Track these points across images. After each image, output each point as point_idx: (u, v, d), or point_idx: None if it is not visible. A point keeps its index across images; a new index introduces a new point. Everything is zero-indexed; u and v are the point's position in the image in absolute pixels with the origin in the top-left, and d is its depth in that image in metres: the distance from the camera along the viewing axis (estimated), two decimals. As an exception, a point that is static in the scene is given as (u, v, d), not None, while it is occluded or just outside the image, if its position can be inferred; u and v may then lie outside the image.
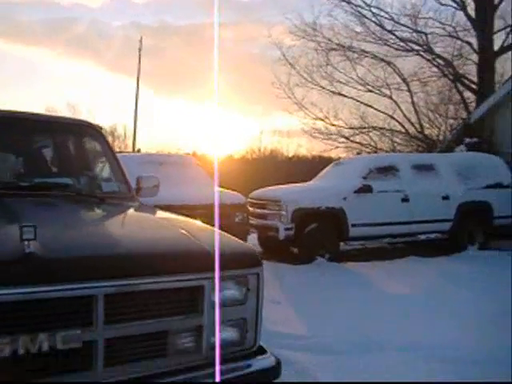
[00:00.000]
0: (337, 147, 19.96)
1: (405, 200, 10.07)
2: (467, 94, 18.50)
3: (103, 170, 3.87)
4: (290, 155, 32.27)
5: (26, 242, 1.88)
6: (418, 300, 6.64)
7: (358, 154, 18.24)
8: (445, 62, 18.62)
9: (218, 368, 2.16)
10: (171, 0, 78.94)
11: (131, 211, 3.24)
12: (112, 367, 2.00)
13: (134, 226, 2.89)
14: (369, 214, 9.69)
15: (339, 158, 20.34)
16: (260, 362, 2.37)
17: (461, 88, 18.33)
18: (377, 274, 8.31)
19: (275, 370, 2.42)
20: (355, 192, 9.71)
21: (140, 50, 28.22)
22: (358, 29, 19.36)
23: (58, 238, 2.20)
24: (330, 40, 19.58)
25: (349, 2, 18.83)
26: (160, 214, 3.20)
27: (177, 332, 2.13)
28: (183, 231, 2.52)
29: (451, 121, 18.53)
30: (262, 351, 2.44)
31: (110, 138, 57.07)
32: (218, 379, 2.11)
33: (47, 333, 1.87)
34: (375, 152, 19.60)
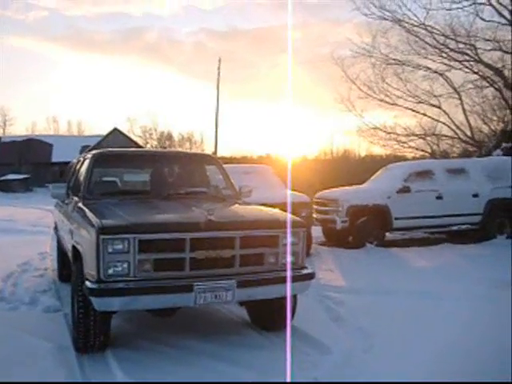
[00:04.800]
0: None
1: (439, 198, 12.51)
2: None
3: (221, 182, 6.77)
4: (363, 155, 33.25)
5: (209, 215, 4.76)
6: (432, 270, 9.23)
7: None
8: (493, 71, 20.66)
9: (289, 272, 4.95)
10: (238, 5, 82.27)
11: (240, 204, 6.15)
12: (241, 267, 4.81)
13: (245, 209, 5.83)
14: (409, 210, 12.19)
15: (413, 157, 22.86)
16: (305, 270, 5.15)
17: (506, 95, 20.31)
18: (410, 255, 10.88)
19: (312, 274, 5.17)
20: (397, 192, 12.27)
21: (219, 69, 31.26)
22: (413, 44, 21.71)
23: (217, 214, 5.03)
24: (386, 55, 22.09)
25: (401, 21, 21.23)
26: (255, 206, 6.07)
27: (268, 254, 4.95)
28: (270, 212, 5.37)
29: (498, 126, 20.54)
30: (306, 268, 5.20)
31: (187, 144, 60.60)
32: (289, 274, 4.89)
33: (215, 251, 4.71)
34: (431, 154, 22.01)
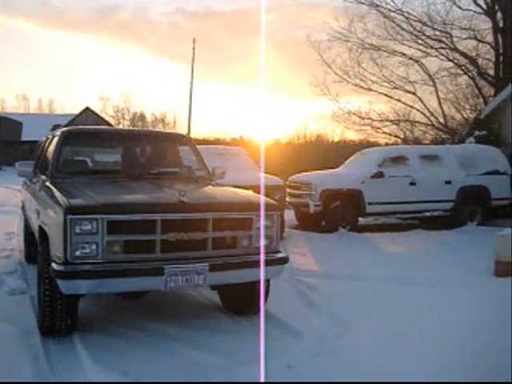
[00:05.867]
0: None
1: (412, 183, 12.52)
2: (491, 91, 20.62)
3: (193, 162, 6.60)
4: (336, 140, 33.26)
5: (181, 196, 4.61)
6: (404, 255, 9.24)
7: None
8: (468, 60, 20.77)
9: (262, 256, 4.84)
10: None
11: (213, 186, 6.01)
12: (214, 250, 4.69)
13: (218, 191, 5.69)
14: (382, 195, 12.18)
15: (386, 143, 22.97)
16: (279, 254, 5.05)
17: (480, 84, 20.45)
18: (383, 240, 10.89)
19: (286, 258, 5.08)
20: (371, 177, 12.24)
21: (194, 49, 30.89)
22: (389, 30, 21.68)
23: (190, 195, 4.88)
24: (363, 40, 22.01)
25: (378, 6, 21.17)
26: (228, 188, 5.93)
27: (241, 237, 4.83)
28: (242, 193, 5.24)
29: (471, 115, 20.69)
30: (279, 252, 5.10)
31: (160, 125, 60.12)
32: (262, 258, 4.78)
33: (187, 233, 4.58)
34: (404, 140, 22.12)
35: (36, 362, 4.19)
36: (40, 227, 5.09)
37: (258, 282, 4.98)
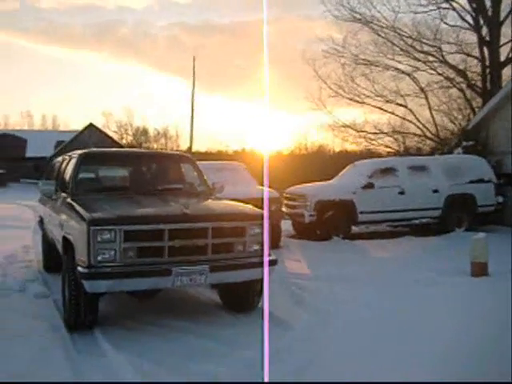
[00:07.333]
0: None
1: (401, 193, 13.36)
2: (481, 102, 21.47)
3: (195, 179, 7.46)
4: (337, 150, 33.81)
5: (185, 209, 5.46)
6: (390, 259, 10.06)
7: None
8: (458, 73, 21.67)
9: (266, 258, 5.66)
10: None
11: (213, 199, 6.87)
12: (213, 254, 5.52)
13: (216, 204, 6.56)
14: (373, 204, 13.02)
15: (388, 153, 23.74)
16: (269, 257, 5.86)
17: (470, 96, 21.34)
18: (373, 247, 11.72)
19: (275, 261, 5.90)
20: (362, 188, 13.08)
21: (194, 67, 31.84)
22: (381, 45, 22.63)
23: (192, 207, 5.73)
24: (356, 56, 22.96)
25: (370, 23, 22.13)
26: (226, 201, 6.77)
27: (236, 243, 5.67)
28: (238, 206, 6.09)
29: (461, 125, 21.56)
30: (270, 255, 5.92)
31: (162, 139, 60.82)
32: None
33: (190, 240, 5.41)
34: (398, 152, 22.97)
35: (66, 349, 5.03)
36: (64, 238, 5.95)
37: (253, 281, 5.87)
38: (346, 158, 25.26)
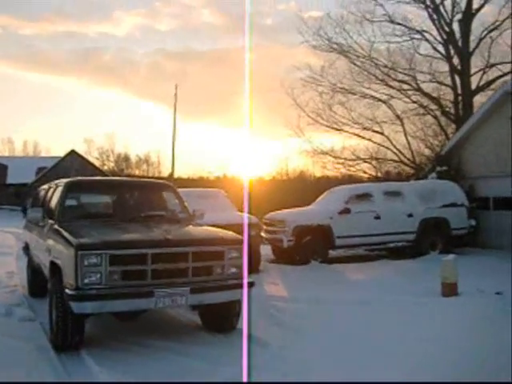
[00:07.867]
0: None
1: (377, 218, 13.81)
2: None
3: (177, 206, 7.82)
4: (318, 175, 34.16)
5: (166, 234, 5.81)
6: (366, 282, 10.44)
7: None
8: (432, 100, 22.41)
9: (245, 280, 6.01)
10: (194, 26, 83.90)
11: (193, 225, 7.22)
12: (194, 277, 5.85)
13: (196, 230, 6.91)
14: (349, 229, 13.45)
15: (368, 178, 24.21)
16: (246, 280, 6.21)
17: (444, 122, 22.07)
18: (349, 270, 12.09)
19: (252, 283, 6.24)
20: (339, 213, 13.52)
21: (176, 95, 32.34)
22: (358, 75, 23.33)
23: (173, 233, 6.09)
24: (334, 84, 23.61)
25: (347, 52, 22.86)
26: (206, 227, 7.14)
27: (216, 266, 6.02)
28: (217, 231, 6.46)
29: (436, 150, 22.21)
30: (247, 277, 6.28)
31: (144, 166, 60.92)
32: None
33: (172, 264, 5.75)
34: (375, 177, 23.55)
35: (54, 368, 5.31)
36: (52, 262, 6.24)
37: (232, 302, 6.24)
38: (326, 184, 25.56)
